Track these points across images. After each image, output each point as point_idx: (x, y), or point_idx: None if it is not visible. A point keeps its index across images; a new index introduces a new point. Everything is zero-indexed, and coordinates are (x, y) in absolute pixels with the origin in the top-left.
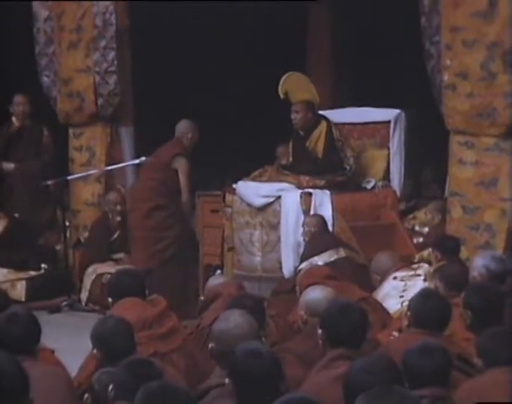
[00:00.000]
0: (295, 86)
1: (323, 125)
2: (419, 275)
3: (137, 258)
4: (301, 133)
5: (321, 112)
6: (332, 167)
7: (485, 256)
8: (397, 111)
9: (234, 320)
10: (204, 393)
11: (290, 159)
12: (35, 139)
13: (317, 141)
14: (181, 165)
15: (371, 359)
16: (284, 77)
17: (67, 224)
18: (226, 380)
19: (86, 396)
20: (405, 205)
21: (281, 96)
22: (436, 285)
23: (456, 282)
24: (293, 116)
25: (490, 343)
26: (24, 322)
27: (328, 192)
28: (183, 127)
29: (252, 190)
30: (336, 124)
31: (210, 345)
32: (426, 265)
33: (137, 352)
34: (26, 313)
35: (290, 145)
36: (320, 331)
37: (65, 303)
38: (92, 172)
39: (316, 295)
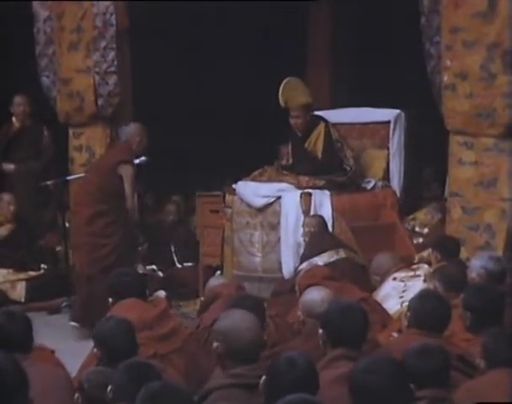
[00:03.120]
0: (292, 92)
1: (322, 126)
2: (419, 276)
3: (80, 264)
4: (299, 134)
5: (321, 112)
6: (331, 167)
7: (482, 257)
8: (397, 111)
9: (240, 318)
10: (204, 395)
11: (290, 160)
12: (36, 139)
13: (316, 142)
14: (126, 172)
15: (375, 359)
16: (281, 87)
17: (67, 224)
18: (262, 379)
19: (76, 395)
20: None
21: (282, 105)
22: (435, 286)
23: (455, 283)
24: (293, 121)
25: (495, 344)
26: (22, 320)
27: (327, 192)
28: (132, 131)
29: (252, 190)
30: (335, 124)
31: (214, 344)
32: (426, 266)
33: (138, 353)
34: (22, 312)
35: (290, 146)
36: (321, 331)
37: (65, 304)
38: None
39: (312, 296)
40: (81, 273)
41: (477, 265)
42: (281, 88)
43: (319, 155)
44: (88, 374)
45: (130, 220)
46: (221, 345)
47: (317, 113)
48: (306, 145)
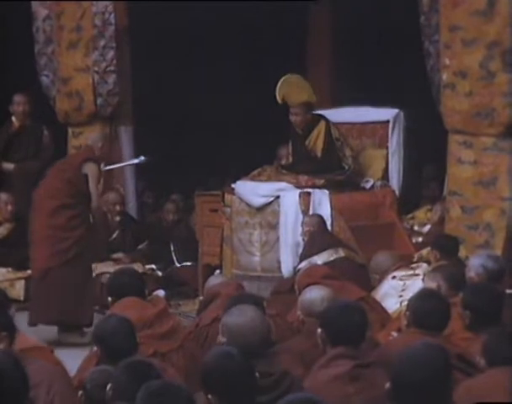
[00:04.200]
0: (291, 89)
1: (322, 124)
2: (418, 275)
3: (38, 256)
4: (300, 132)
5: (320, 111)
6: (331, 166)
7: (481, 255)
8: (396, 111)
9: (249, 315)
10: None
11: (290, 159)
12: (35, 138)
13: (317, 140)
14: (91, 170)
15: (418, 350)
16: (280, 83)
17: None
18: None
19: (80, 393)
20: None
21: (279, 101)
22: (439, 285)
23: (459, 281)
24: (293, 119)
25: (496, 343)
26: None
27: (326, 191)
28: (95, 138)
29: (251, 190)
30: (335, 123)
31: (221, 339)
32: (425, 265)
33: (138, 351)
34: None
35: (290, 144)
36: (320, 330)
37: None
38: None
39: (311, 295)
40: (38, 268)
41: (475, 264)
42: (279, 84)
43: (319, 153)
44: (92, 374)
45: (95, 217)
46: (225, 340)
47: (316, 112)
48: (306, 143)
